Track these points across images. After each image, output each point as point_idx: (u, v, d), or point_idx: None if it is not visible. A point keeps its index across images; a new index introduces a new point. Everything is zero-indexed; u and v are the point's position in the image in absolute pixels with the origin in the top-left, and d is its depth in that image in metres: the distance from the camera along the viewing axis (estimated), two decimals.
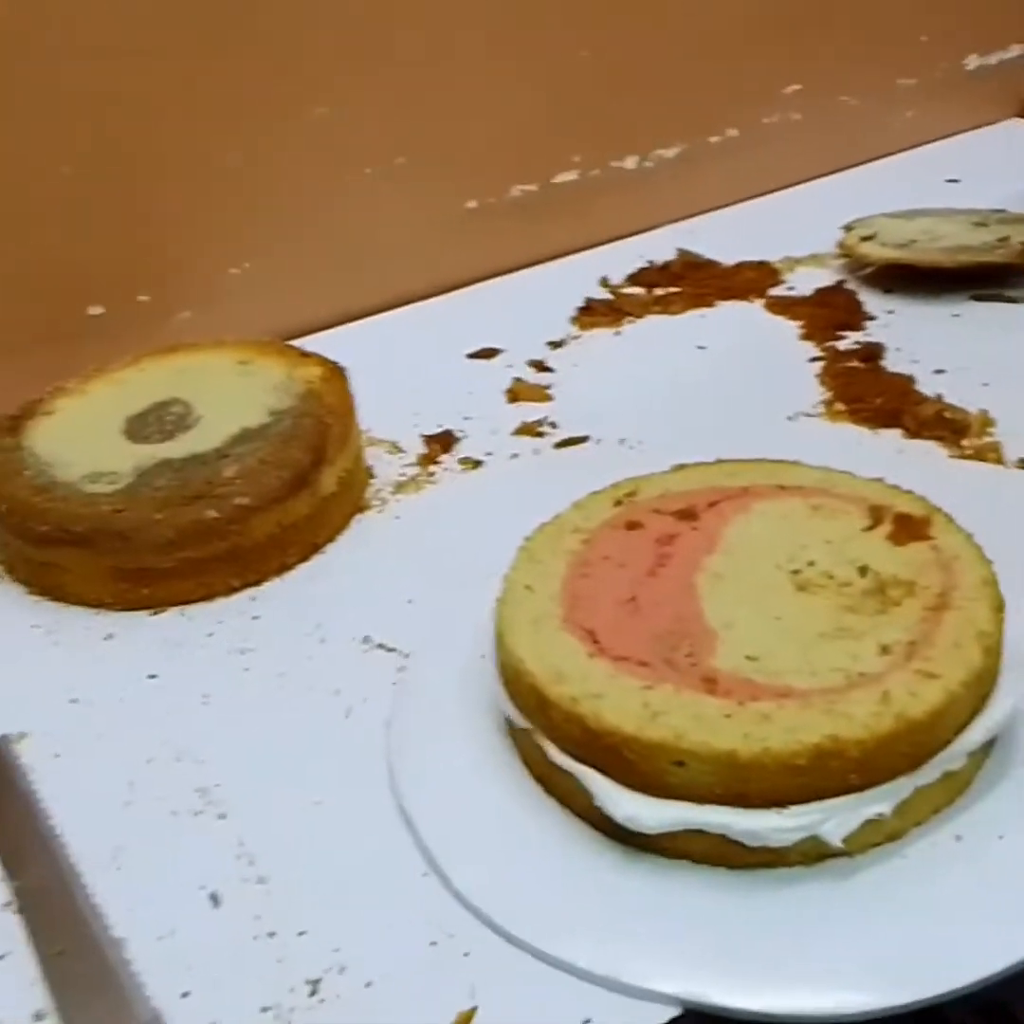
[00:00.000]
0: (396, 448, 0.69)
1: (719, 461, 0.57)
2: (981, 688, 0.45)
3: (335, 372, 0.66)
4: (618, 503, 0.54)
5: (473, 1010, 0.41)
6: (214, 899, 0.46)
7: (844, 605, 0.47)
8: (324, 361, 0.67)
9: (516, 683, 0.47)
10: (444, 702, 0.52)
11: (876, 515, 0.52)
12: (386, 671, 0.54)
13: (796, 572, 0.49)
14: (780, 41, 0.91)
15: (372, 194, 0.79)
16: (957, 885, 0.43)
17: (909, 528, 0.51)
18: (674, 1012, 0.41)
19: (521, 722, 0.47)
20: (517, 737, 0.49)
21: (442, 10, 0.79)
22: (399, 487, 0.66)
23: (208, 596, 0.59)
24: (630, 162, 0.88)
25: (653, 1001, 0.41)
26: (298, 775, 0.50)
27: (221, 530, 0.58)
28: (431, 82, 0.80)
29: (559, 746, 0.45)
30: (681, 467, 0.56)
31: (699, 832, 0.43)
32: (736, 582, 0.49)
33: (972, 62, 0.99)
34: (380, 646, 0.56)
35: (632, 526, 0.53)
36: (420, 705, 0.52)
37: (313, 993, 0.42)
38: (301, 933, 0.44)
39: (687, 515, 0.53)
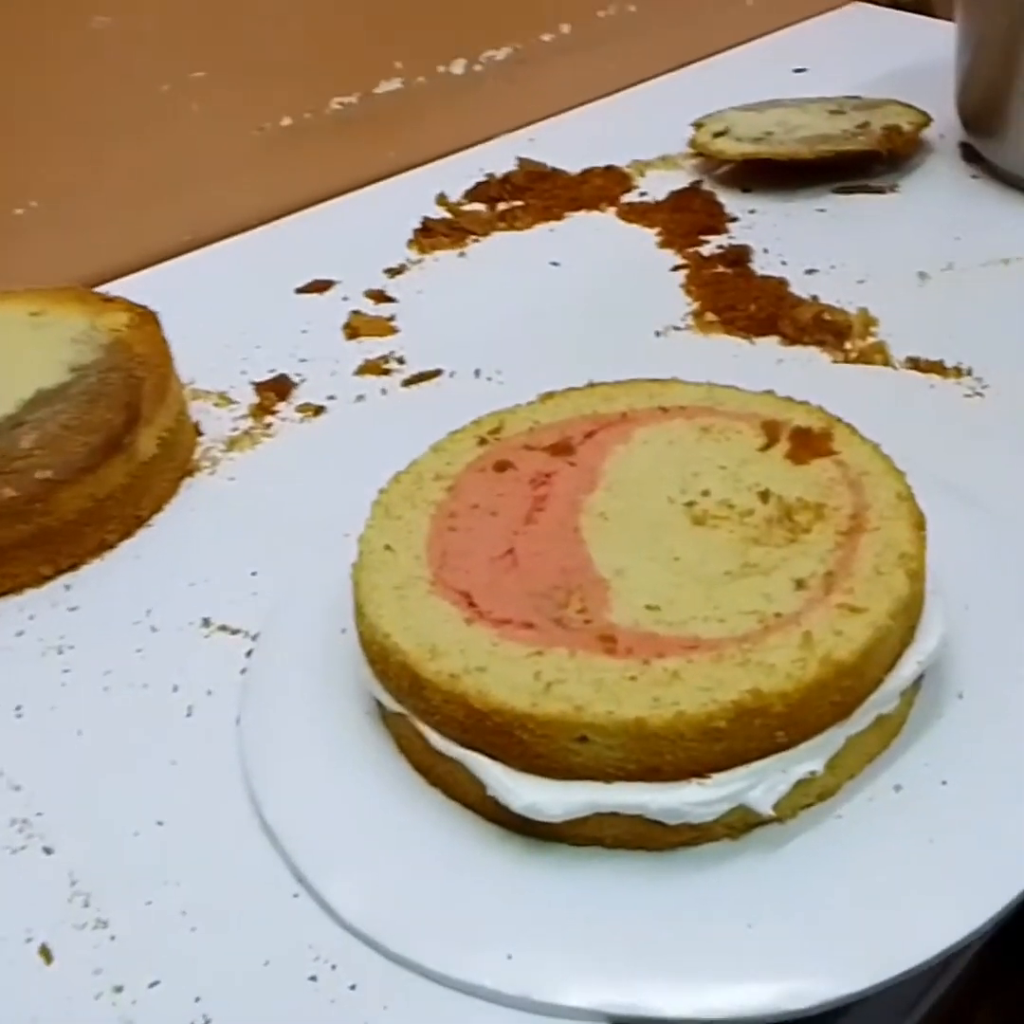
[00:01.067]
0: (225, 399, 0.61)
1: (591, 385, 0.50)
2: (909, 618, 0.40)
3: (145, 317, 0.58)
4: (482, 442, 0.48)
5: None
6: (45, 952, 0.38)
7: (748, 537, 0.42)
8: (131, 306, 0.59)
9: (384, 662, 0.40)
10: (302, 689, 0.45)
11: (771, 432, 0.46)
12: (232, 658, 0.47)
13: (690, 504, 0.43)
14: None
15: (171, 115, 0.70)
16: (903, 844, 0.38)
17: (809, 444, 0.45)
18: None
19: (394, 706, 0.40)
20: (391, 723, 0.42)
21: None
22: (232, 443, 0.58)
23: (14, 589, 0.51)
24: (458, 67, 0.80)
25: (575, 1018, 0.35)
26: (135, 792, 0.42)
27: (22, 510, 0.50)
28: None
29: (440, 731, 0.39)
30: (549, 396, 0.50)
31: (611, 815, 0.37)
32: (625, 522, 0.43)
33: None
34: (223, 629, 0.49)
35: (501, 467, 0.46)
36: (274, 695, 0.45)
37: None
38: (153, 984, 0.37)
39: (562, 449, 0.47)
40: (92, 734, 0.45)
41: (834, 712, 0.38)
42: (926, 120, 0.75)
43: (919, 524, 0.41)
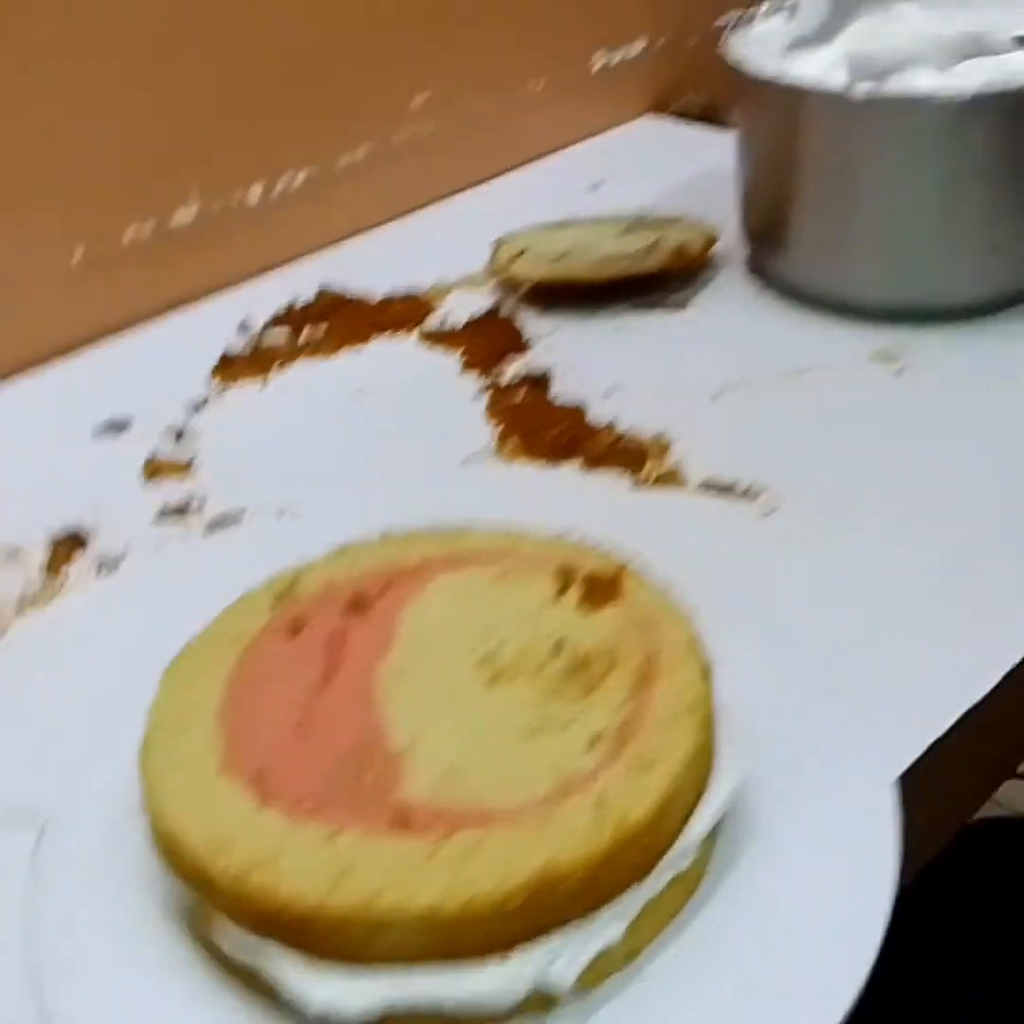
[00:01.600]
0: (15, 557, 0.59)
1: (387, 534, 0.50)
2: (702, 767, 0.40)
3: None
4: (276, 602, 0.47)
5: None
6: None
7: (544, 691, 0.42)
8: None
9: (171, 854, 0.38)
10: (93, 877, 0.43)
11: (565, 578, 0.46)
12: (18, 847, 0.44)
13: (486, 659, 0.43)
14: (404, 51, 0.85)
15: None
16: (707, 1001, 0.38)
17: (601, 590, 0.45)
18: None
19: (185, 899, 0.39)
20: (185, 913, 0.40)
21: (23, 30, 0.68)
22: (22, 605, 0.56)
23: None
24: (256, 192, 0.80)
25: None
26: None
27: None
28: (15, 112, 0.69)
29: (234, 925, 0.37)
30: (345, 549, 0.49)
31: (411, 1014, 0.36)
32: (421, 682, 0.42)
33: (598, 60, 0.97)
34: (10, 811, 0.46)
35: (296, 629, 0.45)
36: (64, 887, 0.43)
37: None
38: None
39: (357, 606, 0.46)
40: None
41: (632, 874, 0.38)
42: (713, 237, 0.78)
43: (707, 670, 0.42)
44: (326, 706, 0.42)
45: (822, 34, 0.76)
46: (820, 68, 0.74)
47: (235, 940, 0.37)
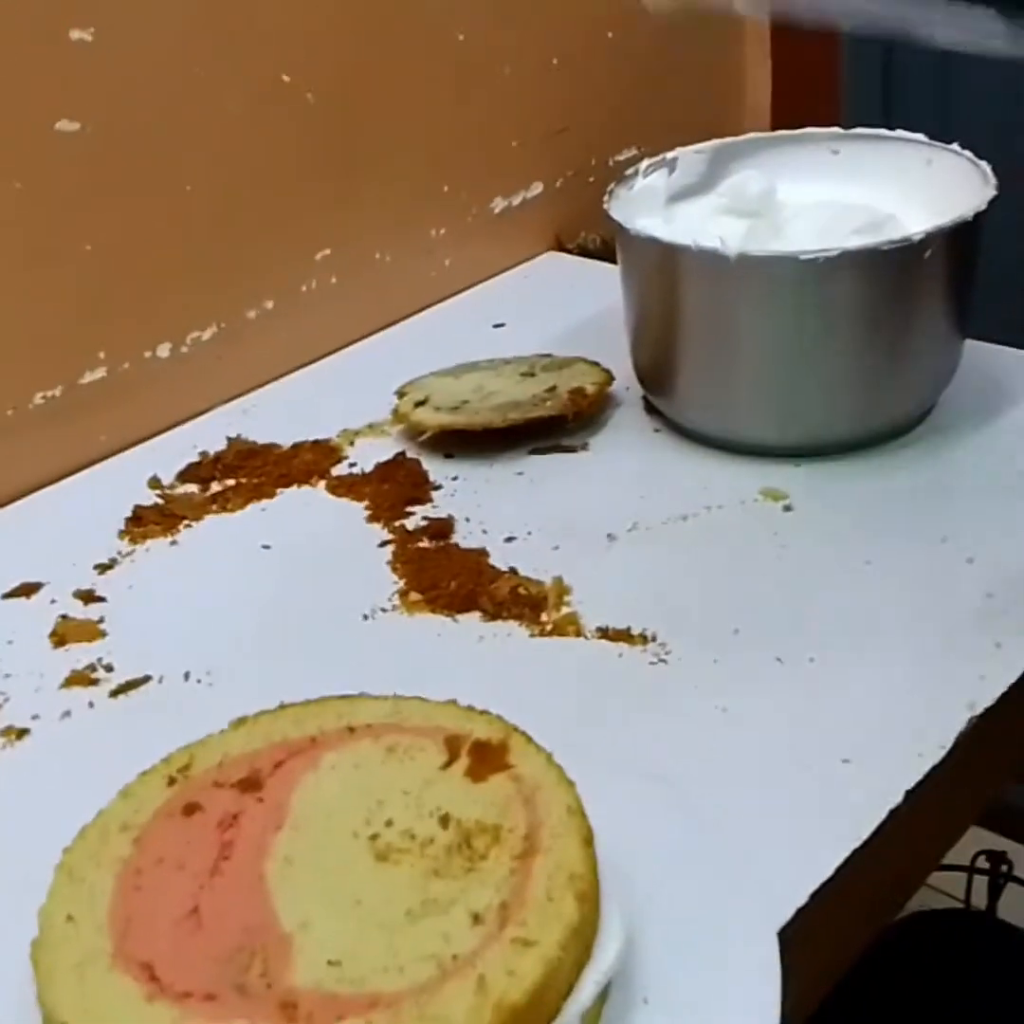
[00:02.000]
0: None
1: (282, 706, 0.51)
2: (583, 940, 0.41)
3: None
4: (172, 782, 0.48)
5: None
6: None
7: (429, 869, 0.43)
8: None
9: None
10: None
11: (453, 747, 0.48)
12: None
13: (374, 837, 0.44)
14: (305, 207, 0.88)
15: None
16: None
17: (487, 758, 0.47)
18: None
19: None
20: None
21: None
22: None
23: None
24: (164, 350, 0.82)
25: None
26: None
27: None
28: None
29: None
30: (241, 722, 0.50)
31: None
32: (310, 864, 0.44)
33: (498, 204, 1.01)
34: None
35: (189, 810, 0.46)
36: None
37: None
38: None
39: (251, 785, 0.47)
40: None
41: None
42: (609, 379, 0.81)
43: (588, 840, 0.43)
44: (217, 893, 0.43)
45: (700, 186, 0.80)
46: (699, 217, 0.78)
47: None
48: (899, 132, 0.81)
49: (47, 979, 0.40)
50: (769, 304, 0.69)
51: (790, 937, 0.46)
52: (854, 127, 0.82)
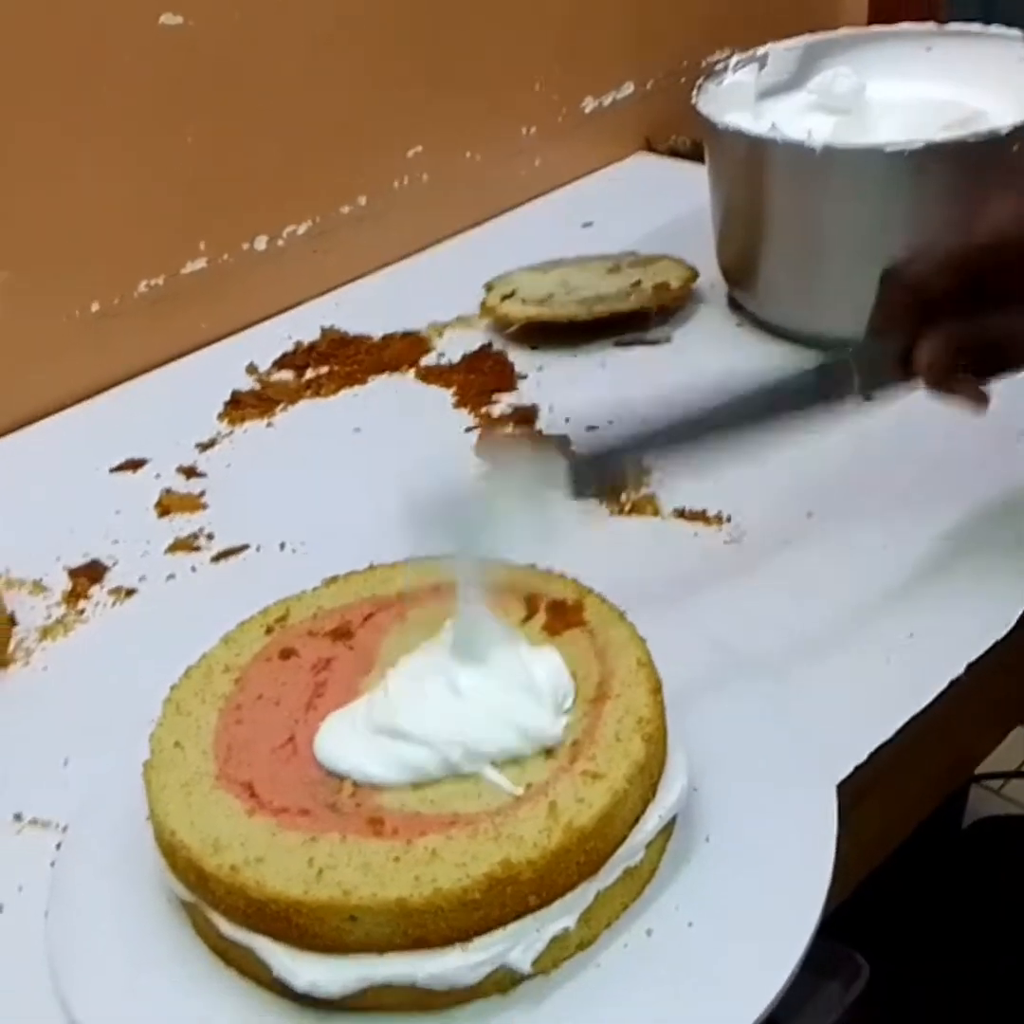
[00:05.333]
0: (39, 588, 0.64)
1: (372, 567, 0.55)
2: (648, 777, 0.44)
3: None
4: (269, 630, 0.51)
5: None
6: None
7: None
8: None
9: (173, 856, 0.43)
10: (107, 879, 0.47)
11: (531, 605, 0.51)
12: (42, 851, 0.50)
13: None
14: (398, 104, 0.90)
15: None
16: (653, 985, 0.42)
17: (563, 615, 0.50)
18: None
19: (186, 895, 0.43)
20: (187, 909, 0.45)
21: (32, 107, 0.74)
22: (45, 633, 0.61)
23: None
24: (261, 242, 0.85)
25: None
26: None
27: None
28: (29, 183, 0.74)
29: (227, 918, 0.42)
30: (333, 580, 0.54)
31: (386, 986, 0.41)
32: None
33: (589, 104, 1.02)
34: (34, 822, 0.51)
35: (286, 655, 0.50)
36: (81, 887, 0.47)
37: None
38: None
39: (342, 634, 0.51)
40: None
41: (581, 871, 0.42)
42: (693, 275, 0.82)
43: (656, 688, 0.46)
44: (310, 727, 0.46)
45: (790, 82, 0.81)
46: (787, 114, 0.79)
47: (229, 930, 0.42)
48: (995, 28, 0.80)
49: (157, 796, 0.44)
50: (855, 197, 0.70)
51: (848, 793, 0.48)
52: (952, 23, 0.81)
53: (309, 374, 0.80)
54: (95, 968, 0.44)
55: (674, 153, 1.06)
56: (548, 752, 0.44)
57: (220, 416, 0.77)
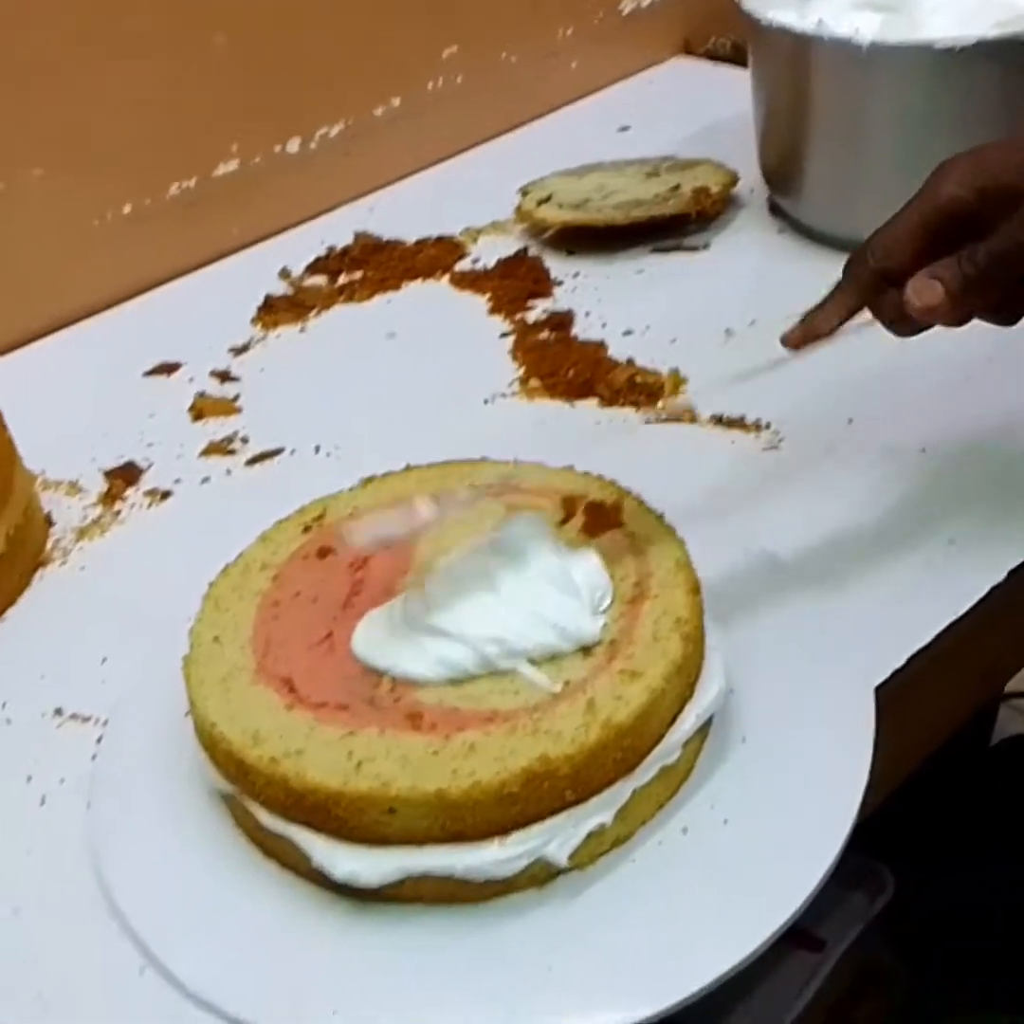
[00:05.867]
0: (75, 488, 0.64)
1: (408, 468, 0.54)
2: (686, 677, 0.44)
3: None
4: (307, 529, 0.51)
5: None
6: None
7: None
8: None
9: (213, 748, 0.44)
10: (148, 772, 0.48)
11: (569, 507, 0.50)
12: (83, 745, 0.50)
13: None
14: (432, 3, 0.88)
15: (9, 213, 0.73)
16: (687, 881, 0.42)
17: (601, 517, 0.50)
18: None
19: (226, 788, 0.44)
20: (227, 801, 0.46)
21: (65, 6, 0.72)
22: (82, 533, 0.61)
23: None
24: (293, 145, 0.84)
25: None
26: None
27: None
28: (61, 83, 0.73)
29: (267, 809, 0.42)
30: (369, 480, 0.54)
31: (424, 877, 0.41)
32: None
33: (626, 6, 0.99)
34: (74, 717, 0.52)
35: (323, 553, 0.50)
36: (121, 779, 0.48)
37: None
38: None
39: None
40: None
41: (618, 768, 0.42)
42: (733, 180, 0.80)
43: (695, 589, 0.46)
44: (348, 624, 0.47)
45: None
46: (833, 11, 0.76)
47: (269, 822, 0.42)
48: None
49: (197, 690, 0.45)
50: (902, 96, 0.68)
51: (885, 698, 0.48)
52: None
53: (342, 279, 0.79)
54: (136, 858, 0.45)
55: (713, 56, 1.04)
56: (586, 651, 0.44)
57: (253, 321, 0.76)
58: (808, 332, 0.50)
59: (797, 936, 0.82)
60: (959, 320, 0.48)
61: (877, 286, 0.49)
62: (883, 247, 0.49)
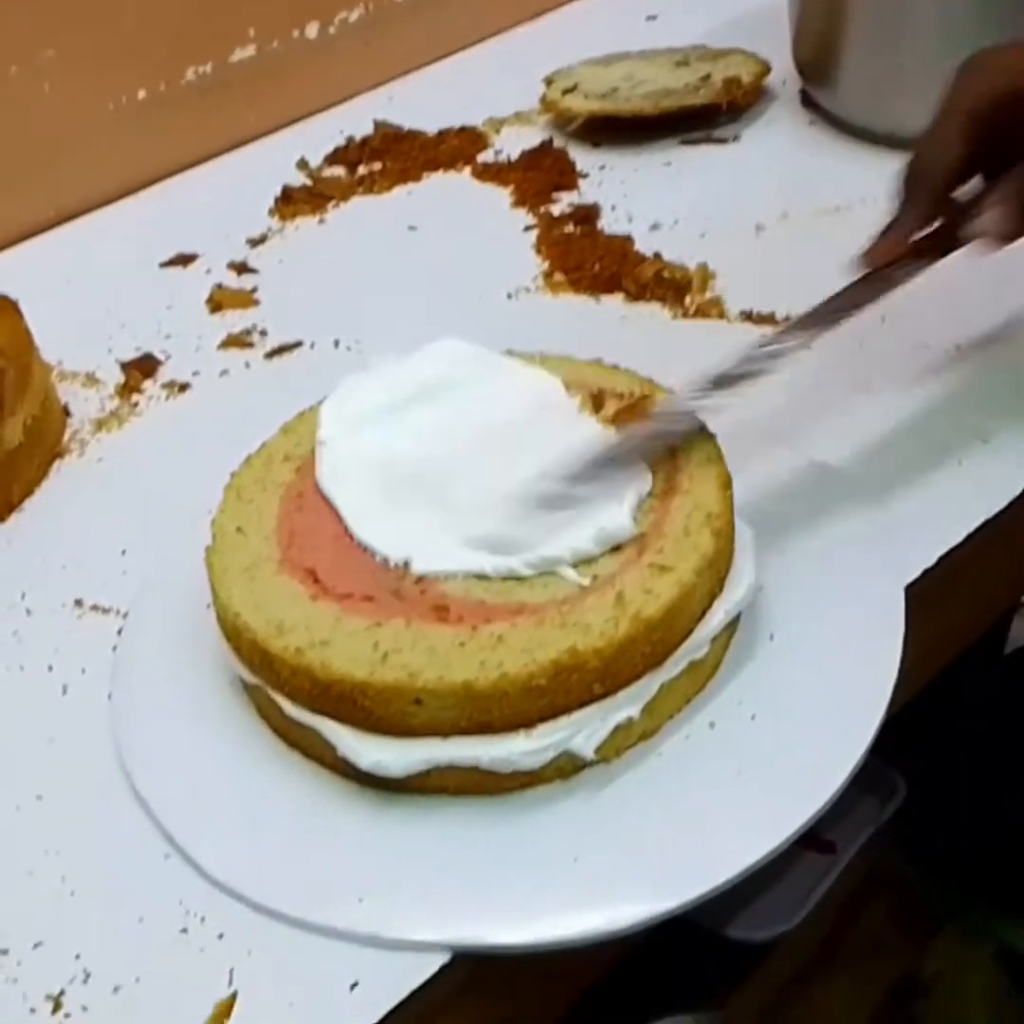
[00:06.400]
0: (92, 380, 0.63)
1: None
2: (716, 572, 0.44)
3: (3, 306, 0.59)
4: None
5: (233, 997, 0.39)
6: None
7: None
8: None
9: (237, 639, 0.43)
10: (169, 664, 0.48)
11: (598, 400, 0.49)
12: (104, 636, 0.50)
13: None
14: None
15: (22, 97, 0.71)
16: (715, 775, 0.42)
17: (631, 409, 0.48)
18: (443, 959, 0.39)
19: (250, 678, 0.44)
20: (250, 693, 0.45)
21: None
22: (100, 425, 0.61)
23: None
24: (312, 30, 0.81)
25: (421, 951, 0.39)
26: (15, 770, 0.45)
27: None
28: None
29: (292, 700, 0.42)
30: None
31: (450, 767, 0.41)
32: None
33: None
34: (95, 608, 0.51)
35: None
36: (143, 670, 0.48)
37: (56, 1009, 0.39)
38: (36, 945, 0.40)
39: None
40: None
41: (647, 662, 0.41)
42: (765, 69, 0.78)
43: (726, 484, 0.45)
44: None
45: None
46: None
47: (294, 712, 0.42)
48: None
49: (220, 580, 0.44)
50: None
51: (913, 599, 0.47)
52: None
53: (361, 170, 0.78)
54: (159, 747, 0.45)
55: None
56: (615, 545, 0.43)
57: (271, 212, 0.75)
58: (886, 248, 0.48)
59: (809, 838, 0.83)
60: None
61: (942, 197, 0.47)
62: (933, 159, 0.47)
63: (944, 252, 0.49)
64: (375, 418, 0.48)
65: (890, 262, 0.49)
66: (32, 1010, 0.39)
